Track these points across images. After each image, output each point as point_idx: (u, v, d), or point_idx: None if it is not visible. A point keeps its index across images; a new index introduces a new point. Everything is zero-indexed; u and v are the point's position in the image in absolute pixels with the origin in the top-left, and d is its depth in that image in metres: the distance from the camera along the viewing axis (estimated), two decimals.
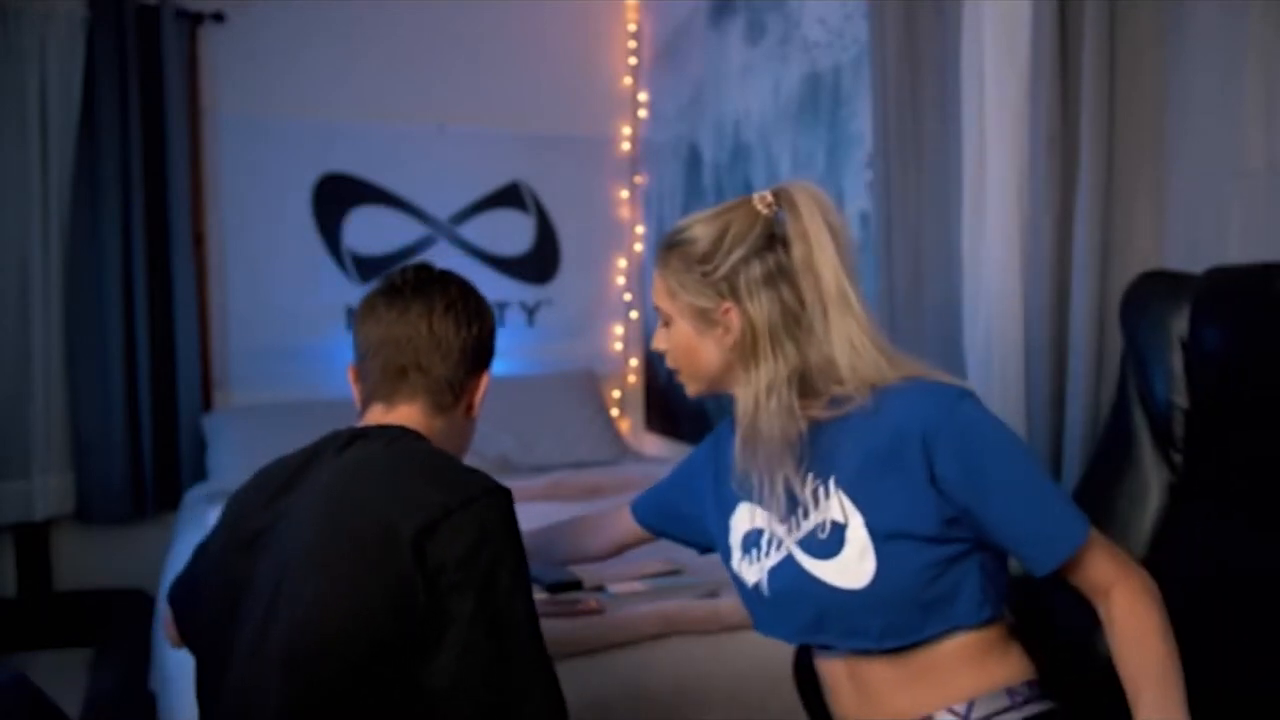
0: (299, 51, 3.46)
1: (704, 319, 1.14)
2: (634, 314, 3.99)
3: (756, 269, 1.10)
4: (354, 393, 1.22)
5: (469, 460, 1.17)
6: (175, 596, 1.26)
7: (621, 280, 3.99)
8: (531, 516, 2.35)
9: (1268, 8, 1.54)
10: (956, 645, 1.08)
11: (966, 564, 1.07)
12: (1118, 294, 1.54)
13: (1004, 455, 1.05)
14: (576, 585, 1.79)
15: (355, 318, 1.20)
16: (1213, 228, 1.62)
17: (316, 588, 0.99)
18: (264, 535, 1.09)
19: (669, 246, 1.17)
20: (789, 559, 1.13)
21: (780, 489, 1.11)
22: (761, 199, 1.13)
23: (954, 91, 1.94)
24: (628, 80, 3.92)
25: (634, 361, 4.01)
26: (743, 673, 1.64)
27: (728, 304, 1.12)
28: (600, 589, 1.82)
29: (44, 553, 3.22)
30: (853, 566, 1.07)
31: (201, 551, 1.23)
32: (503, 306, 3.77)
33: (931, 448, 1.04)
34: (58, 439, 3.18)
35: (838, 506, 1.09)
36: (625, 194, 3.97)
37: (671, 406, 3.78)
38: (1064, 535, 1.03)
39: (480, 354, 1.21)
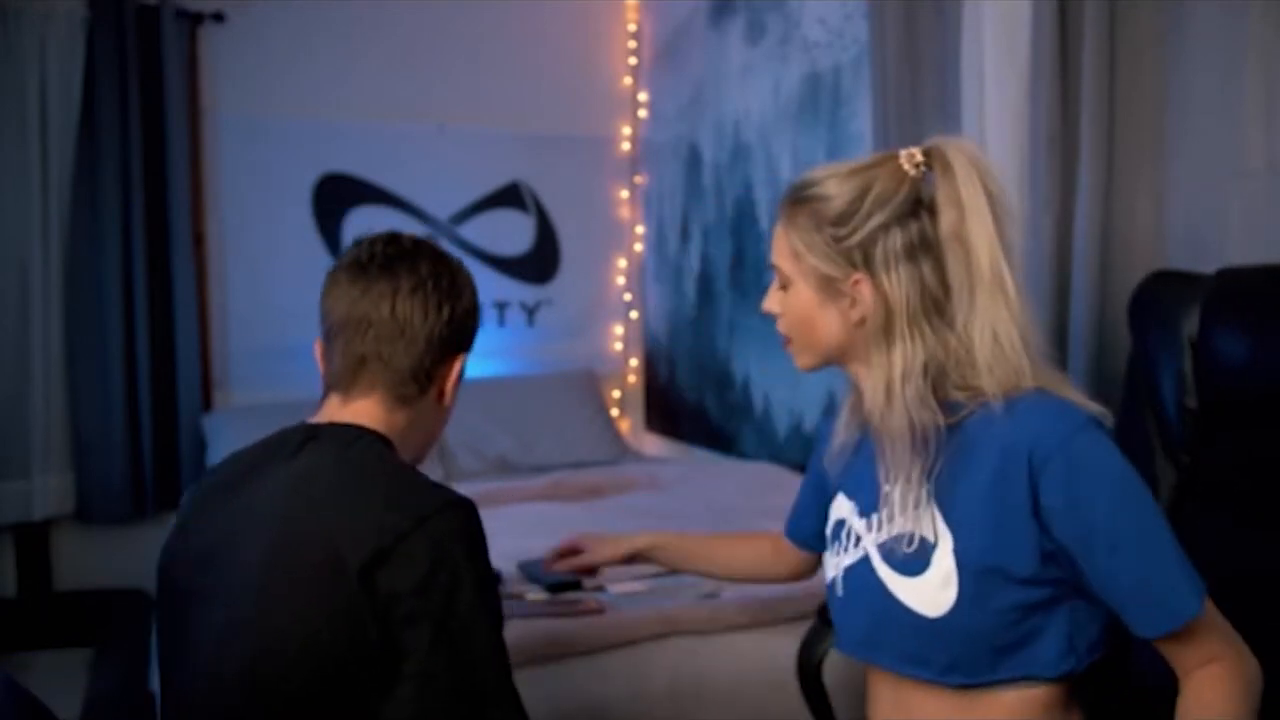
0: (299, 51, 3.46)
1: (830, 288, 1.01)
2: (634, 314, 3.99)
3: (898, 238, 0.97)
4: (320, 368, 1.12)
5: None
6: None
7: (621, 280, 3.99)
8: (531, 517, 2.37)
9: (1268, 8, 1.54)
10: (1022, 697, 0.97)
11: (1055, 610, 0.96)
12: (1118, 294, 1.54)
13: (1120, 498, 0.92)
14: (576, 585, 1.79)
15: (322, 289, 1.10)
16: (1213, 228, 1.62)
17: (269, 620, 0.94)
18: (215, 551, 1.02)
19: (797, 201, 1.03)
20: (865, 562, 1.04)
21: (896, 496, 1.00)
22: (910, 157, 0.99)
23: (954, 91, 1.94)
24: (628, 80, 3.92)
25: (634, 361, 4.01)
26: (743, 673, 1.64)
27: (859, 275, 0.99)
28: (600, 589, 1.82)
29: (44, 553, 3.22)
30: (932, 592, 0.96)
31: (161, 560, 1.13)
32: (503, 306, 3.77)
33: (1038, 472, 0.92)
34: (58, 439, 3.18)
35: (929, 521, 0.98)
36: (625, 194, 3.97)
37: (671, 406, 3.78)
38: (1175, 602, 0.90)
39: (454, 338, 1.10)
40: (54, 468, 3.17)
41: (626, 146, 3.95)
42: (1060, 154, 1.72)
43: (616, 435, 3.63)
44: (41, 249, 3.11)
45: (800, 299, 1.04)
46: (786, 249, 1.04)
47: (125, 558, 3.20)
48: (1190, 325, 1.33)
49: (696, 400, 3.56)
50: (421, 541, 0.93)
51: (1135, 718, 1.15)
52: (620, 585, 1.84)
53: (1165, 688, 0.96)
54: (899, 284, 0.97)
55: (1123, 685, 1.16)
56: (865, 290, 0.99)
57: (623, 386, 4.00)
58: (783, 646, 1.54)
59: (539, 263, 3.85)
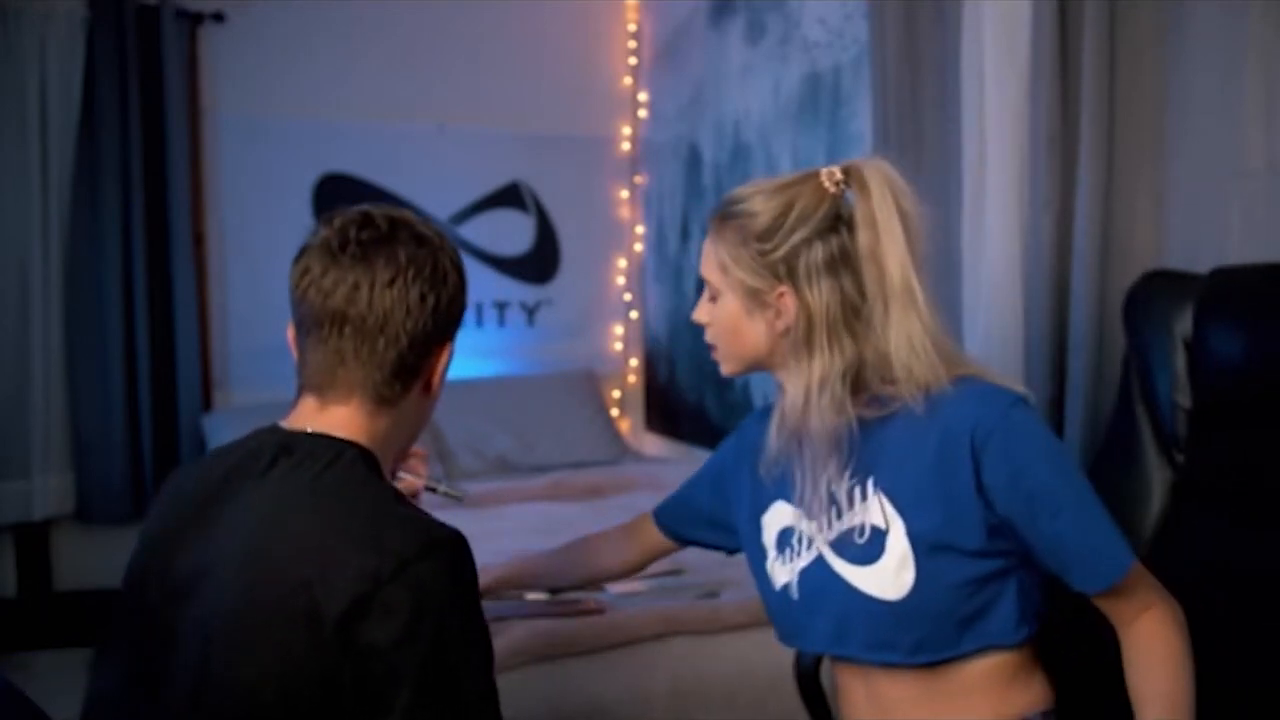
0: (299, 51, 3.46)
1: (755, 299, 1.06)
2: (634, 314, 3.99)
3: (819, 252, 1.02)
4: (293, 355, 1.04)
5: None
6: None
7: (621, 280, 3.99)
8: (531, 517, 2.37)
9: (1268, 8, 1.54)
10: (987, 666, 1.04)
11: (1006, 581, 1.03)
12: (1118, 294, 1.54)
13: (1054, 468, 1.00)
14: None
15: (291, 271, 1.02)
16: (1213, 228, 1.62)
17: (242, 673, 0.87)
18: (188, 586, 0.94)
19: (725, 216, 1.08)
20: (820, 561, 1.08)
21: (824, 489, 1.06)
22: (830, 175, 1.05)
23: (954, 91, 1.94)
24: (628, 80, 3.92)
25: (634, 361, 4.01)
26: (743, 673, 1.64)
27: (783, 288, 1.04)
28: (600, 589, 1.82)
29: (44, 553, 3.22)
30: (890, 576, 1.02)
31: (130, 578, 1.05)
32: (503, 306, 3.77)
33: (980, 452, 0.99)
34: (58, 439, 3.18)
35: (878, 510, 1.04)
36: (625, 194, 3.97)
37: (671, 406, 3.78)
38: (1111, 558, 0.99)
39: (440, 329, 1.00)
40: (54, 468, 3.18)
41: (626, 146, 3.95)
42: (1060, 154, 1.72)
43: (616, 435, 3.63)
44: (41, 249, 3.11)
45: (728, 310, 1.09)
46: (715, 262, 1.09)
47: (125, 558, 3.13)
48: (1184, 325, 1.34)
49: (696, 400, 3.56)
50: (402, 590, 0.84)
51: (1098, 675, 1.16)
52: (620, 585, 1.84)
53: (1102, 643, 1.04)
54: (820, 295, 1.02)
55: (1090, 646, 1.18)
56: (789, 302, 1.04)
57: (623, 386, 4.00)
58: (782, 646, 1.54)
59: (539, 263, 3.85)
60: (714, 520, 1.30)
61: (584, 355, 3.89)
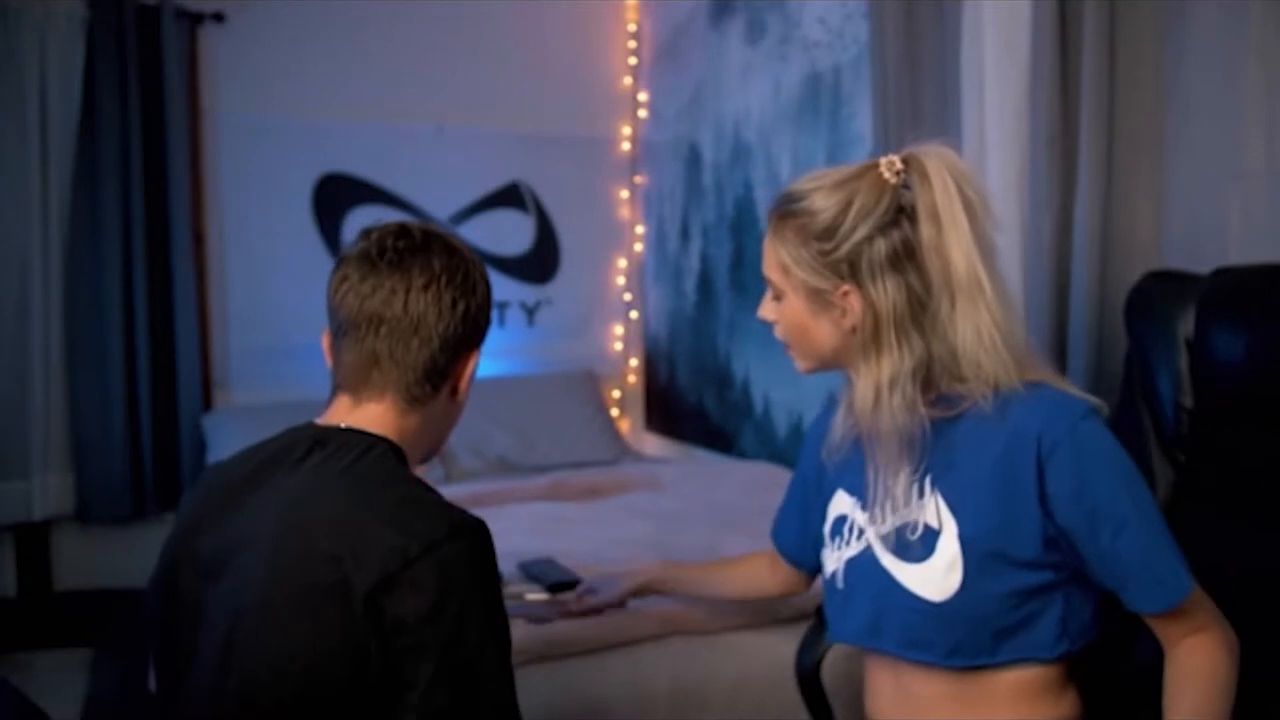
0: (299, 51, 3.46)
1: (820, 299, 1.04)
2: (634, 314, 3.99)
3: (881, 248, 0.99)
4: (327, 362, 1.08)
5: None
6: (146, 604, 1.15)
7: (621, 280, 3.99)
8: (531, 517, 2.36)
9: (1268, 8, 1.54)
10: (1019, 677, 1.03)
11: (1053, 596, 1.01)
12: (1118, 294, 1.54)
13: (1121, 484, 0.97)
14: (576, 585, 1.79)
15: (329, 281, 1.06)
16: (1213, 228, 1.62)
17: (269, 645, 0.91)
18: (221, 561, 0.99)
19: (784, 215, 1.05)
20: (868, 552, 1.07)
21: (899, 490, 1.03)
22: (890, 165, 1.02)
23: (954, 91, 1.94)
24: (628, 80, 3.92)
25: (634, 361, 4.01)
26: (743, 673, 1.64)
27: (848, 286, 1.01)
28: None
29: (44, 553, 3.22)
30: (937, 577, 1.00)
31: (163, 563, 1.09)
32: (503, 306, 3.77)
33: (1046, 461, 0.97)
34: (58, 439, 3.18)
35: (933, 509, 1.02)
36: (625, 194, 3.97)
37: (671, 406, 3.78)
38: (1173, 581, 0.96)
39: (468, 334, 1.05)
40: (54, 468, 3.17)
41: (626, 146, 3.95)
42: (1060, 154, 1.72)
43: (616, 435, 3.63)
44: (41, 249, 3.11)
45: (793, 309, 1.07)
46: (776, 263, 1.07)
47: (125, 558, 3.20)
48: (1186, 325, 1.34)
49: (696, 400, 3.56)
50: (430, 568, 0.89)
51: (1133, 696, 1.16)
52: None
53: (1145, 666, 1.02)
54: (885, 293, 1.00)
55: (1127, 666, 1.17)
56: (854, 301, 1.02)
57: (623, 386, 4.00)
58: (782, 646, 1.54)
59: (539, 263, 3.86)
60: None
61: (584, 355, 3.89)
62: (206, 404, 3.38)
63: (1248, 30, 1.55)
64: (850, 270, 1.01)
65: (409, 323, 1.01)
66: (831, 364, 1.09)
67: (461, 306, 1.03)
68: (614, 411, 3.92)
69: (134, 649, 2.65)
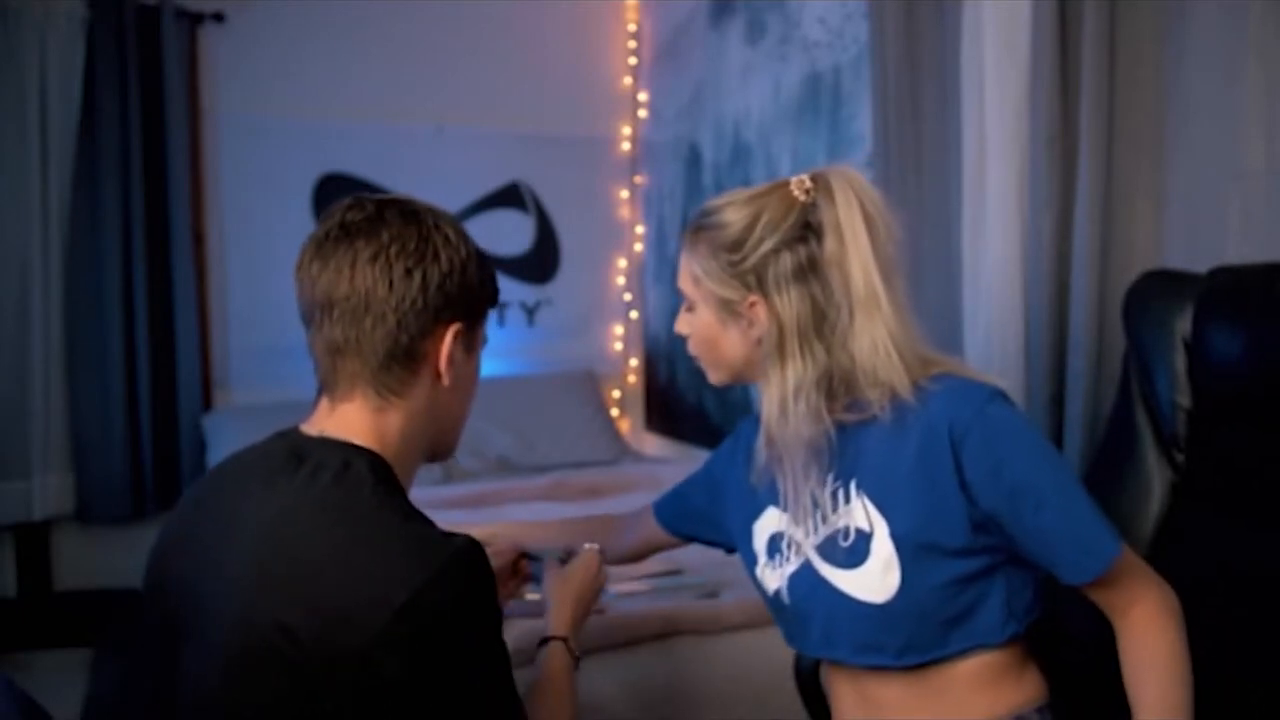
0: (299, 51, 3.46)
1: (728, 310, 1.07)
2: (634, 314, 3.99)
3: (787, 262, 1.03)
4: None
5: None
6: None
7: (621, 280, 3.99)
8: (531, 516, 2.36)
9: (1268, 8, 1.54)
10: (975, 665, 1.04)
11: (991, 580, 1.02)
12: (1118, 294, 1.54)
13: (1035, 460, 0.99)
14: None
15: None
16: (1212, 228, 1.62)
17: (236, 700, 0.83)
18: (193, 583, 0.91)
19: (697, 229, 1.09)
20: (807, 566, 1.08)
21: (807, 495, 1.06)
22: (799, 184, 1.05)
23: (954, 91, 1.94)
24: (628, 80, 3.92)
25: (634, 361, 4.01)
26: (743, 673, 1.64)
27: (754, 297, 1.05)
28: (601, 589, 1.82)
29: (44, 553, 3.22)
30: (876, 579, 1.02)
31: (147, 579, 1.02)
32: (503, 306, 3.78)
33: (960, 447, 0.99)
34: (58, 439, 3.18)
35: (861, 512, 1.03)
36: (625, 194, 3.97)
37: (671, 406, 3.78)
38: (1098, 547, 0.98)
39: (439, 306, 0.94)
40: (54, 468, 3.17)
41: (626, 146, 3.95)
42: (1060, 154, 1.72)
43: (616, 435, 3.63)
44: (41, 249, 3.11)
45: (704, 321, 1.11)
46: (689, 275, 1.11)
47: (125, 558, 3.19)
48: (1184, 324, 1.34)
49: (696, 400, 3.56)
50: (416, 615, 0.80)
51: (1067, 668, 1.17)
52: (620, 585, 1.84)
53: (1097, 634, 1.03)
54: (790, 304, 1.03)
55: (1059, 641, 1.19)
56: (760, 311, 1.05)
57: (623, 386, 4.01)
58: (782, 646, 1.53)
59: (539, 263, 3.86)
60: (709, 519, 1.31)
61: (584, 355, 3.89)
62: (206, 404, 3.38)
63: (1248, 30, 1.55)
64: (757, 281, 1.04)
65: (358, 301, 0.92)
66: (742, 375, 1.12)
67: (418, 276, 0.92)
68: (614, 411, 3.93)
69: (134, 649, 2.65)
